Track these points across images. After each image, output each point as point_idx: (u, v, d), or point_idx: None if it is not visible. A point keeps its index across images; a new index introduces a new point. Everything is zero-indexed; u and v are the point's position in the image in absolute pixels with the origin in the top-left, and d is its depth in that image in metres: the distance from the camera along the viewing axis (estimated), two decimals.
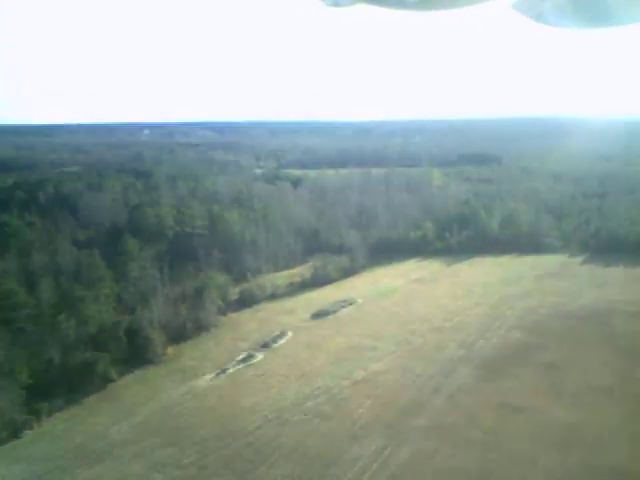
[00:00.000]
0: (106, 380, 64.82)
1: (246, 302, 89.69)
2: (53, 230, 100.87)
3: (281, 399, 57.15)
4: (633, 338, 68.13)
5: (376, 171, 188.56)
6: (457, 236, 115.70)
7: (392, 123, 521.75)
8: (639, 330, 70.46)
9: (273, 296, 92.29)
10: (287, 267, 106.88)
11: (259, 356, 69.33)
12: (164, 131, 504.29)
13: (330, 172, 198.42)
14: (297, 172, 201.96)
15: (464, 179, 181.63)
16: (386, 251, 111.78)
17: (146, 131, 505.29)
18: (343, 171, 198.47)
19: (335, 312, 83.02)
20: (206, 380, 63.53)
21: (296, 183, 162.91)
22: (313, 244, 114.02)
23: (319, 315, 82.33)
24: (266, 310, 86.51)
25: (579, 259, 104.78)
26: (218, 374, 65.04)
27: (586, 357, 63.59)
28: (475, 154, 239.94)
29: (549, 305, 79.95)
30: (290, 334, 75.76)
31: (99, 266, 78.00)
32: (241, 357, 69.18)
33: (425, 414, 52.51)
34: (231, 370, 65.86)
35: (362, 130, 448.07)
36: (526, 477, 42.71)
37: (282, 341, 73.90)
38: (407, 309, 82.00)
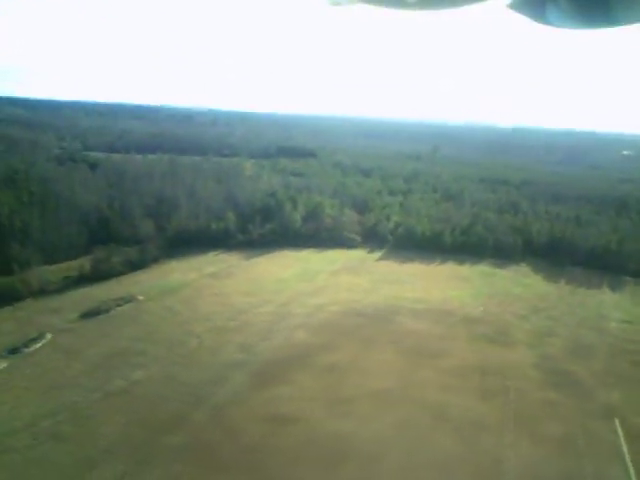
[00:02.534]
0: None
1: (5, 299, 76.44)
2: None
3: (12, 419, 46.96)
4: (418, 338, 67.12)
5: (186, 159, 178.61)
6: (260, 229, 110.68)
7: (218, 112, 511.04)
8: (423, 329, 69.80)
9: (41, 292, 79.76)
10: (67, 259, 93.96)
11: (1, 364, 57.88)
12: None
13: (138, 157, 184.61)
14: (101, 155, 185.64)
15: (278, 171, 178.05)
16: (185, 244, 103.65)
17: None
18: (152, 157, 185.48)
19: (108, 311, 73.16)
20: None
21: (94, 166, 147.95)
22: (102, 235, 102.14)
23: (89, 315, 71.94)
24: (28, 309, 74.18)
25: (377, 255, 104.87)
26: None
27: (370, 358, 60.91)
28: (292, 147, 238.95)
29: (340, 302, 77.28)
30: (49, 337, 64.81)
31: None
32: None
33: (182, 431, 45.59)
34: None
35: (185, 116, 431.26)
36: None
37: (37, 345, 62.71)
38: (192, 307, 74.66)
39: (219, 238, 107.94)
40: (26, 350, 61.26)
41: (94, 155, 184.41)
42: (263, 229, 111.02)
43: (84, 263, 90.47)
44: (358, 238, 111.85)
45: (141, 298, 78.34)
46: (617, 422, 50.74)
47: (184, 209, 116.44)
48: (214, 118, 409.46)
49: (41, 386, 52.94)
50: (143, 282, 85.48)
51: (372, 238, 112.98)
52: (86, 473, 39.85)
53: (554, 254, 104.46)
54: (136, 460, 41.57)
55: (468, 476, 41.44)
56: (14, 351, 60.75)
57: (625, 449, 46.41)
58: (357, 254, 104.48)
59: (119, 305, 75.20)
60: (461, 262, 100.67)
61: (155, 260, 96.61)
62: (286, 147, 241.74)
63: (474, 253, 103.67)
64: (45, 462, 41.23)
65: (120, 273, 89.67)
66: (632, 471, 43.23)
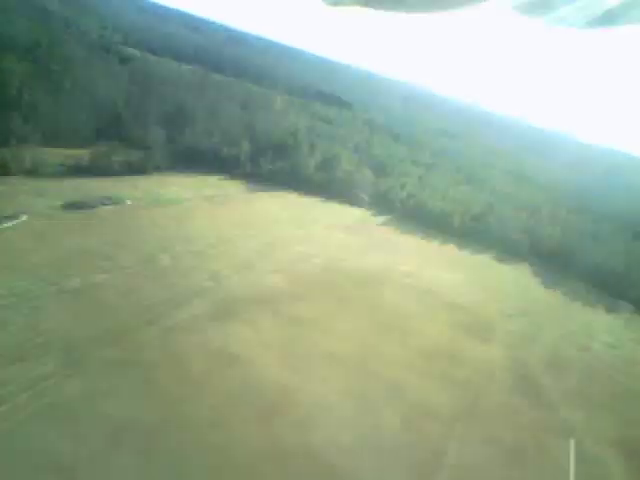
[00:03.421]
0: None
1: None
2: None
3: None
4: (394, 310, 64.50)
5: (219, 77, 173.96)
6: (270, 164, 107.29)
7: (274, 43, 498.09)
8: (402, 304, 67.12)
9: (32, 173, 77.37)
10: (69, 146, 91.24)
11: None
12: None
13: (173, 64, 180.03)
14: (137, 53, 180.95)
15: (307, 113, 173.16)
16: (191, 160, 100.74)
17: None
18: (187, 67, 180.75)
19: (93, 208, 70.79)
20: None
21: (124, 61, 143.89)
22: (111, 131, 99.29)
23: (72, 206, 69.58)
24: (14, 186, 71.87)
25: (380, 219, 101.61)
26: None
27: (339, 319, 58.35)
28: (329, 94, 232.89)
29: (326, 257, 74.57)
30: (24, 218, 62.58)
31: None
32: None
33: (121, 346, 43.51)
34: None
35: (240, 39, 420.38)
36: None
37: (8, 224, 60.54)
38: (176, 225, 72.16)
39: (228, 164, 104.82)
40: None
41: (130, 51, 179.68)
42: (274, 166, 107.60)
43: (84, 154, 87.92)
44: (367, 199, 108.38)
45: (129, 203, 75.86)
46: (572, 443, 48.40)
47: (200, 125, 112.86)
48: (266, 47, 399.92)
49: None
50: (137, 187, 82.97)
51: (381, 203, 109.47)
52: (8, 365, 37.91)
53: (559, 262, 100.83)
54: (65, 362, 39.62)
55: (405, 460, 39.31)
56: None
57: (572, 472, 44.15)
58: (361, 214, 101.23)
59: (104, 204, 72.74)
60: (462, 247, 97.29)
61: (157, 169, 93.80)
62: (324, 92, 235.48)
63: (478, 242, 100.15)
64: None
65: (118, 173, 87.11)
66: None
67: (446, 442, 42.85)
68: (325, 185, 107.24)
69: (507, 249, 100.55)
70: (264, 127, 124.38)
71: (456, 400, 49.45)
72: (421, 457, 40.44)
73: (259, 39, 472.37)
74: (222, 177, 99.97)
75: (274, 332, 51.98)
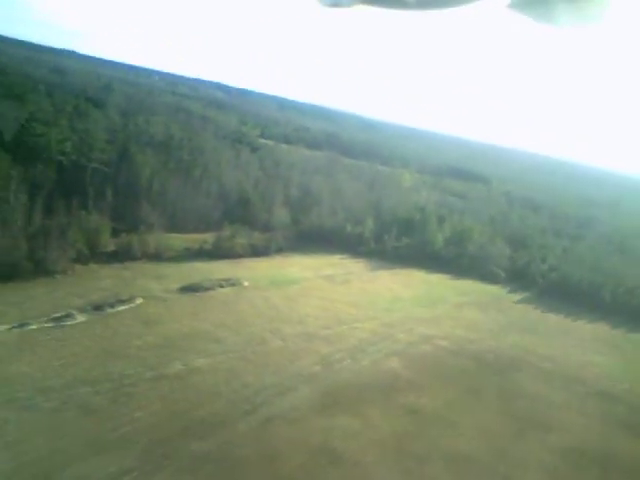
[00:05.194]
0: None
1: (120, 256, 76.32)
2: None
3: (55, 376, 43.97)
4: (532, 403, 55.28)
5: (347, 161, 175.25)
6: (395, 241, 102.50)
7: (400, 127, 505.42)
8: (543, 394, 57.58)
9: (156, 257, 78.99)
10: (196, 230, 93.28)
11: (79, 318, 55.97)
12: (170, 79, 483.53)
13: (303, 151, 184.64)
14: (271, 143, 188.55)
15: (438, 189, 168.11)
16: (314, 240, 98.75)
17: (156, 77, 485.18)
18: (316, 153, 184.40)
19: (208, 290, 69.80)
20: None
21: (255, 149, 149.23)
22: (237, 214, 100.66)
23: (188, 289, 69.04)
24: (135, 270, 73.23)
25: (518, 296, 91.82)
26: (13, 328, 51.76)
27: (464, 413, 50.61)
28: (463, 169, 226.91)
29: (454, 339, 66.97)
30: (138, 302, 62.54)
31: None
32: (57, 315, 55.80)
33: (214, 439, 39.48)
34: (33, 327, 52.56)
35: (368, 125, 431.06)
36: None
37: (122, 307, 60.54)
38: (291, 306, 68.88)
39: (351, 242, 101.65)
40: (110, 310, 59.19)
41: (264, 142, 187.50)
42: (399, 242, 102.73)
43: (209, 238, 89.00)
44: (502, 274, 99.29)
45: (246, 284, 74.27)
46: None
47: (325, 206, 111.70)
48: (394, 130, 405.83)
49: (102, 349, 49.97)
50: (257, 269, 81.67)
51: (518, 278, 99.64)
52: (89, 457, 35.13)
53: None
54: (148, 459, 36.13)
55: None
56: (98, 308, 58.86)
57: None
58: (494, 290, 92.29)
59: (221, 286, 71.64)
60: (615, 326, 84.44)
61: (279, 250, 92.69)
62: (457, 168, 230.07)
63: (634, 319, 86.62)
64: (57, 431, 37.24)
65: (240, 256, 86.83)
66: None
67: None
68: (455, 261, 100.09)
69: None
70: (390, 204, 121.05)
71: None
72: None
73: (391, 125, 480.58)
74: (345, 256, 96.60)
75: (386, 426, 45.46)
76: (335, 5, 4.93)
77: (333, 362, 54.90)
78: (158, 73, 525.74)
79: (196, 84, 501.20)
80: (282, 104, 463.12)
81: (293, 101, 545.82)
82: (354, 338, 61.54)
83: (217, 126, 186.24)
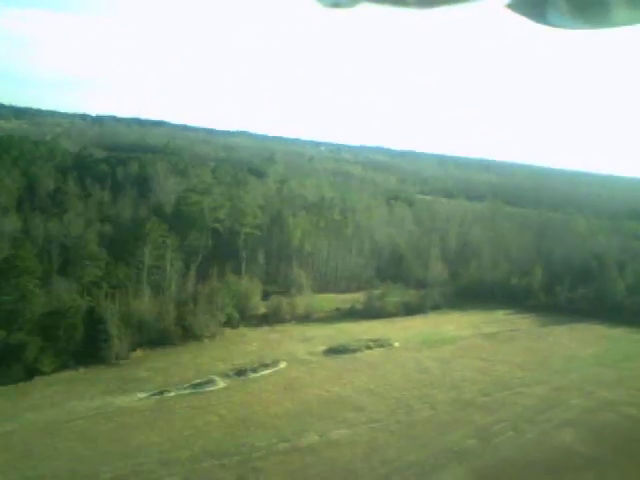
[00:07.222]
0: (34, 371, 54.43)
1: (269, 319, 75.65)
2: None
3: (179, 448, 41.94)
4: None
5: (512, 209, 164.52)
6: (569, 292, 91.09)
7: (575, 173, 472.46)
8: None
9: (305, 318, 77.19)
10: (348, 290, 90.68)
11: (219, 384, 54.64)
12: (334, 147, 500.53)
13: (465, 203, 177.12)
14: (428, 198, 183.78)
15: (619, 233, 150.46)
16: (475, 295, 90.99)
17: (322, 147, 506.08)
18: (479, 204, 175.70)
19: (355, 352, 65.67)
20: (131, 400, 50.24)
21: (411, 204, 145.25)
22: (391, 271, 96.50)
23: (335, 351, 65.55)
24: (282, 333, 71.64)
25: None
26: (151, 395, 51.45)
27: None
28: None
29: None
30: (282, 366, 60.17)
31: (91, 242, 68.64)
32: (198, 381, 54.92)
33: None
34: (171, 394, 51.94)
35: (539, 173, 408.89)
36: None
37: (265, 372, 58.43)
38: (445, 368, 62.20)
39: (517, 296, 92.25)
40: (252, 375, 57.31)
41: (421, 197, 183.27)
42: (573, 293, 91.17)
43: (360, 297, 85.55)
44: None
45: (396, 345, 69.17)
46: None
47: (486, 258, 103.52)
48: (564, 176, 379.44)
49: (236, 417, 47.68)
50: (410, 328, 76.20)
51: None
52: None
53: None
54: None
55: None
56: (240, 373, 57.33)
57: None
58: None
59: (369, 348, 67.21)
60: None
61: (435, 308, 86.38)
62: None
63: None
64: None
65: (392, 314, 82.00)
66: None
67: None
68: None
69: None
70: (562, 252, 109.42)
71: None
72: None
73: (560, 171, 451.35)
74: (509, 311, 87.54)
75: None
76: (335, 5, 3.90)
77: (491, 435, 47.23)
78: (325, 144, 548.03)
79: (359, 150, 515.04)
80: (442, 160, 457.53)
81: (454, 156, 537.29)
82: (518, 406, 53.22)
83: (375, 185, 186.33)
